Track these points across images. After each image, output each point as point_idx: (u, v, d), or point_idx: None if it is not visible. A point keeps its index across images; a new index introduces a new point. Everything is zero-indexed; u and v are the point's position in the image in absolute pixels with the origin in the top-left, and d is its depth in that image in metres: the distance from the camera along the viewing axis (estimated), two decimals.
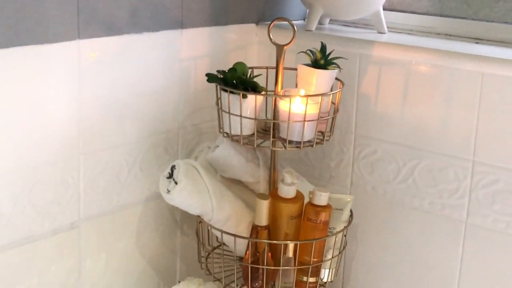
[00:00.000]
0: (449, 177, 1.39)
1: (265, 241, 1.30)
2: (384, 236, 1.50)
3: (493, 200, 1.34)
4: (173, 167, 1.33)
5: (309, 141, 1.30)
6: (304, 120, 1.26)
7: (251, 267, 1.32)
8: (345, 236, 1.40)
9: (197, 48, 1.46)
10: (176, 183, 1.30)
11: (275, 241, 1.32)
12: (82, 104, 1.27)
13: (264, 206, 1.29)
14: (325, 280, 1.39)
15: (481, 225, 1.37)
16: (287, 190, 1.32)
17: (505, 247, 1.34)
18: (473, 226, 1.38)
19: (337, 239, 1.37)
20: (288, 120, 1.26)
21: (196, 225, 1.42)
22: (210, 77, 1.31)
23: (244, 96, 1.27)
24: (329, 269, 1.39)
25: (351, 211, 1.40)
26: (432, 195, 1.42)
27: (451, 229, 1.40)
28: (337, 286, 1.56)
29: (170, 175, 1.32)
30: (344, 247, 1.41)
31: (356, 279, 1.56)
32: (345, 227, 1.38)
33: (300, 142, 1.29)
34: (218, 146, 1.40)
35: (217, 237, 1.43)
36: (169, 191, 1.31)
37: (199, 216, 1.35)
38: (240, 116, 1.28)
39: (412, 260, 1.47)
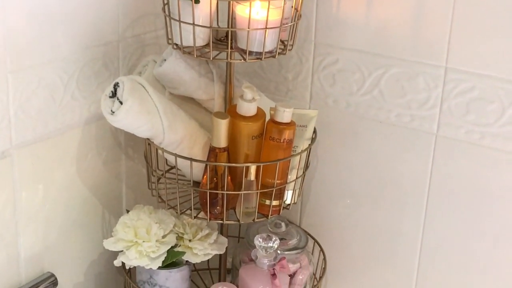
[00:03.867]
0: (418, 86, 1.28)
1: (225, 164, 1.18)
2: (347, 152, 1.40)
3: (467, 110, 1.25)
4: (116, 85, 1.17)
5: (270, 52, 1.16)
6: (266, 28, 1.12)
7: (209, 192, 1.20)
8: (308, 154, 1.29)
9: None
10: (121, 102, 1.15)
11: (235, 164, 1.19)
12: (7, 14, 1.09)
13: (222, 126, 1.16)
14: (288, 202, 1.29)
15: (453, 137, 1.28)
16: (247, 107, 1.19)
17: (478, 159, 1.26)
18: (444, 138, 1.29)
19: (301, 158, 1.26)
20: (248, 27, 1.12)
21: (144, 147, 1.28)
22: None
23: (197, 1, 1.11)
24: (293, 190, 1.28)
25: (314, 127, 1.29)
26: (399, 107, 1.31)
27: (420, 142, 1.31)
28: (295, 207, 1.46)
29: (114, 94, 1.17)
30: (308, 167, 1.30)
31: (316, 198, 1.46)
32: (309, 145, 1.27)
33: (261, 53, 1.15)
34: (165, 60, 1.25)
35: (166, 160, 1.30)
36: (113, 112, 1.16)
37: (148, 138, 1.21)
38: (193, 24, 1.12)
39: (377, 178, 1.38)
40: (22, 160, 1.18)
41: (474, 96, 1.23)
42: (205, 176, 1.20)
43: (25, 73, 1.14)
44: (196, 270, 1.48)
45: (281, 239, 1.31)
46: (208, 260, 1.39)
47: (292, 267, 1.34)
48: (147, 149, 1.26)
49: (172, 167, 1.29)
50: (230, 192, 1.20)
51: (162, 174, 1.27)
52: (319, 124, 1.33)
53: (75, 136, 1.27)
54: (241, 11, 1.13)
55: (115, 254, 1.28)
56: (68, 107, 1.23)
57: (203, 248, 1.27)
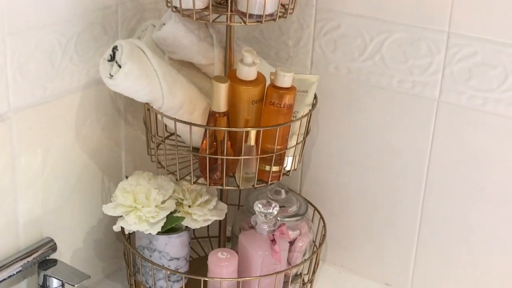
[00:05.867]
0: (421, 52, 1.27)
1: (225, 128, 1.17)
2: (348, 119, 1.38)
3: (469, 75, 1.24)
4: (115, 48, 1.16)
5: (271, 15, 1.15)
6: None
7: (209, 158, 1.19)
8: (309, 120, 1.28)
9: None
10: (119, 66, 1.14)
11: (235, 129, 1.18)
12: None
13: (222, 90, 1.15)
14: (288, 168, 1.28)
15: (455, 103, 1.26)
16: (247, 72, 1.18)
17: (481, 125, 1.25)
18: (446, 104, 1.27)
19: (301, 124, 1.25)
20: None
21: (143, 113, 1.27)
22: None
23: None
24: (293, 156, 1.27)
25: (315, 93, 1.27)
26: (401, 73, 1.30)
27: (422, 108, 1.30)
28: (295, 174, 1.46)
29: (112, 58, 1.16)
30: (308, 133, 1.29)
31: (317, 166, 1.46)
32: (310, 110, 1.26)
33: (261, 16, 1.13)
34: (164, 24, 1.23)
35: (165, 126, 1.29)
36: (112, 75, 1.15)
37: (147, 103, 1.20)
38: None
39: (378, 145, 1.37)
40: (21, 124, 1.17)
41: (477, 61, 1.22)
42: (204, 142, 1.19)
43: (23, 36, 1.13)
44: (196, 238, 1.48)
45: (281, 207, 1.31)
46: (207, 228, 1.39)
47: (292, 234, 1.34)
48: (146, 115, 1.25)
49: (172, 134, 1.28)
50: (230, 157, 1.19)
51: (162, 140, 1.26)
52: (320, 91, 1.32)
53: (74, 101, 1.26)
54: None
55: (114, 220, 1.27)
56: (66, 71, 1.22)
57: (203, 214, 1.27)
